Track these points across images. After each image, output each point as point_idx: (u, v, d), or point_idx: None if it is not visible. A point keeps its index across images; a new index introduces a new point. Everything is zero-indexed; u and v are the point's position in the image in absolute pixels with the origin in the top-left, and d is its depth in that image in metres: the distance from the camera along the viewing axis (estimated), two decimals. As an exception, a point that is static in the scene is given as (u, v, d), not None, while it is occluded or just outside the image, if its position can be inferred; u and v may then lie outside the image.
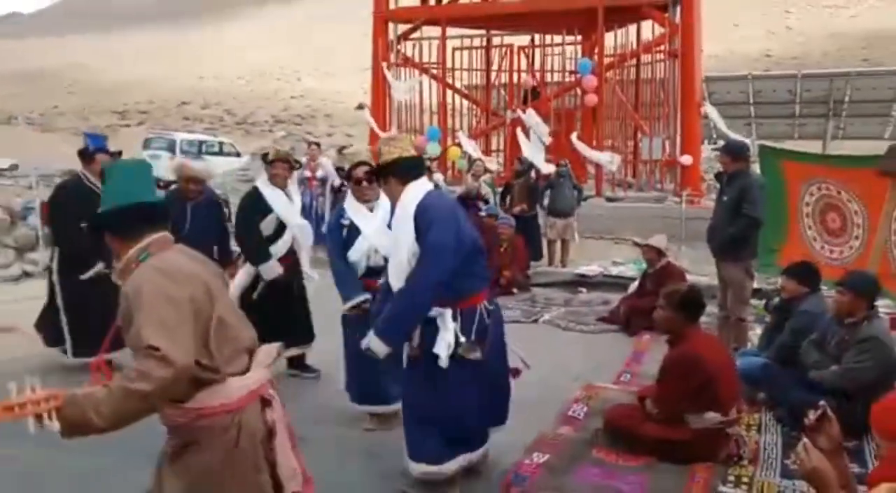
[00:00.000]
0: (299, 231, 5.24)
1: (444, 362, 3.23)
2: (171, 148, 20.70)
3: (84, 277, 5.21)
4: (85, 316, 5.16)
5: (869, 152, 7.02)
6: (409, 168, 3.34)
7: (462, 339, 3.27)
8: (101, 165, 5.11)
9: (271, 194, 5.06)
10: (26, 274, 9.23)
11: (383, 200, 4.23)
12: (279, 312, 4.96)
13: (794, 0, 72.41)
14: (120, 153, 5.66)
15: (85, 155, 5.44)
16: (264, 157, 5.30)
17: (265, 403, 2.22)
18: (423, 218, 3.19)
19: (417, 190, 3.30)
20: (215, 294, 2.17)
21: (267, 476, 2.20)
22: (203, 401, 2.09)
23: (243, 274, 5.09)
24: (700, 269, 8.33)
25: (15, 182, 16.67)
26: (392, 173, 3.34)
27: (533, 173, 10.12)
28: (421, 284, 3.18)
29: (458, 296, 3.30)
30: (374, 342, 3.22)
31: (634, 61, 14.85)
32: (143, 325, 1.96)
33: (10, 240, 9.81)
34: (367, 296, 4.10)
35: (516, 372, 3.65)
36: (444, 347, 3.23)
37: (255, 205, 5.07)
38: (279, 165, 5.08)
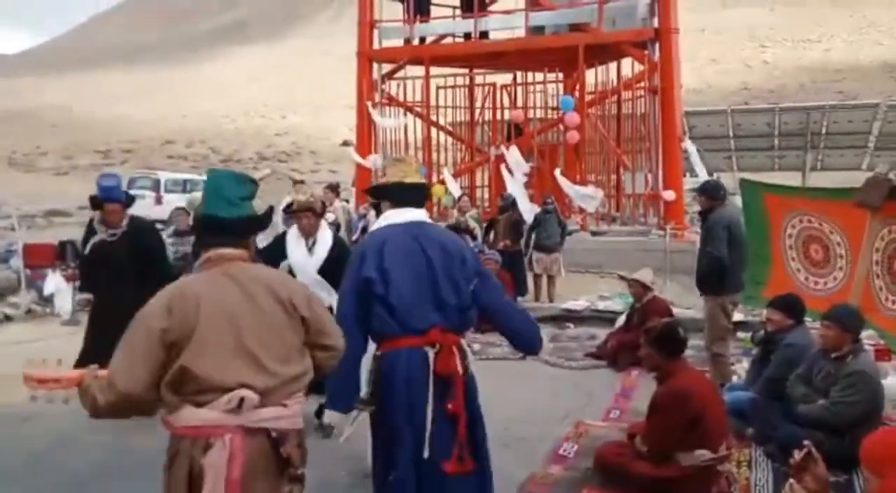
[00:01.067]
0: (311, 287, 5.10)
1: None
2: (155, 187, 20.70)
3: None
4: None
5: (847, 183, 7.13)
6: (405, 194, 3.09)
7: (364, 389, 2.89)
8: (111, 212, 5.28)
9: (292, 242, 4.97)
10: (7, 318, 9.10)
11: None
12: None
13: (769, 34, 74.05)
14: (133, 199, 5.66)
15: (92, 204, 5.48)
16: (287, 207, 5.21)
17: (207, 446, 2.13)
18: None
19: (385, 219, 3.09)
20: (202, 330, 2.15)
21: None
22: (174, 420, 2.19)
23: None
24: (684, 302, 8.38)
25: (-4, 224, 16.51)
26: (387, 197, 3.15)
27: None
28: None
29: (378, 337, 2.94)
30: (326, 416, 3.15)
31: (615, 98, 15.08)
32: (120, 343, 2.16)
33: (-9, 284, 9.71)
34: None
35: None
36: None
37: (276, 248, 5.04)
38: (302, 215, 4.92)
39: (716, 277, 5.75)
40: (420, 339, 2.84)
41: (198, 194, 5.70)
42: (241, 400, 2.13)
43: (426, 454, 2.71)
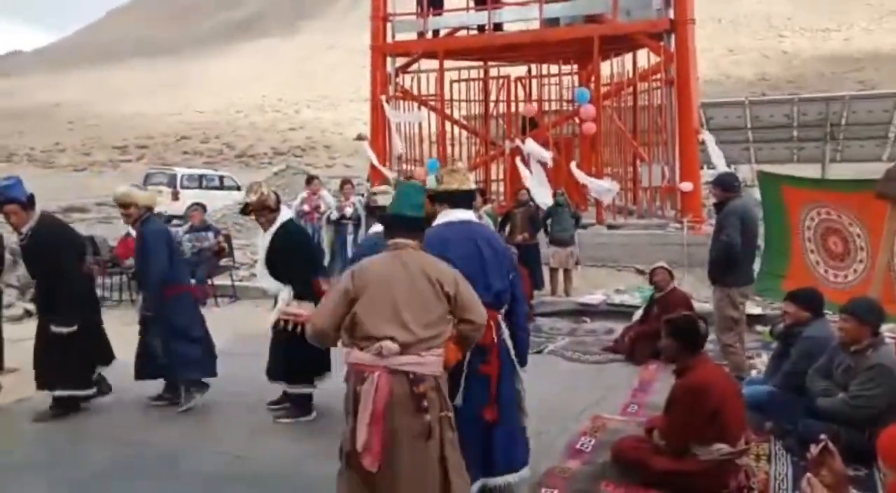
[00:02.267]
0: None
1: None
2: (171, 183, 20.80)
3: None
4: None
5: (869, 174, 7.05)
6: (461, 198, 3.75)
7: None
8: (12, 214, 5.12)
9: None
10: (28, 313, 9.20)
11: None
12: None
13: (787, 24, 73.27)
14: (32, 196, 5.27)
15: None
16: (243, 209, 5.37)
17: (361, 380, 2.90)
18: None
19: (443, 218, 3.69)
20: (370, 293, 2.98)
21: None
22: (347, 356, 3.02)
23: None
24: (701, 295, 8.32)
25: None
26: (446, 201, 3.72)
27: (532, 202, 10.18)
28: None
29: None
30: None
31: (631, 89, 14.96)
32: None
33: (12, 279, 9.80)
34: None
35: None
36: None
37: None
38: (257, 213, 5.27)
39: (726, 264, 5.74)
40: None
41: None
42: (381, 348, 2.88)
43: (459, 402, 3.38)
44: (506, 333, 3.64)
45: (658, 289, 7.29)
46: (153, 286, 5.38)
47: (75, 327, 5.20)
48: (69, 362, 5.25)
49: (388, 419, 2.84)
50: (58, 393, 5.28)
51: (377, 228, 3.89)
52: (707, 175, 13.74)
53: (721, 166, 12.17)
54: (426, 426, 2.90)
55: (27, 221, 5.18)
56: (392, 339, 2.89)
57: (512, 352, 3.66)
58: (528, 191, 10.42)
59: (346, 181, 11.40)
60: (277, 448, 4.65)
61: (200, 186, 21.23)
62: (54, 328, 5.18)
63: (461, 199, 3.75)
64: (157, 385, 5.67)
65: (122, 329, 6.08)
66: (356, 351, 2.96)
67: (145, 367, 5.56)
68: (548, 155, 11.85)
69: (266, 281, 5.29)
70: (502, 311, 3.67)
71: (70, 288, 5.24)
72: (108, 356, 5.62)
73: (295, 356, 5.00)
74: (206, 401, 5.54)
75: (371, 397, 2.83)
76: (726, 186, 6.00)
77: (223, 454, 4.56)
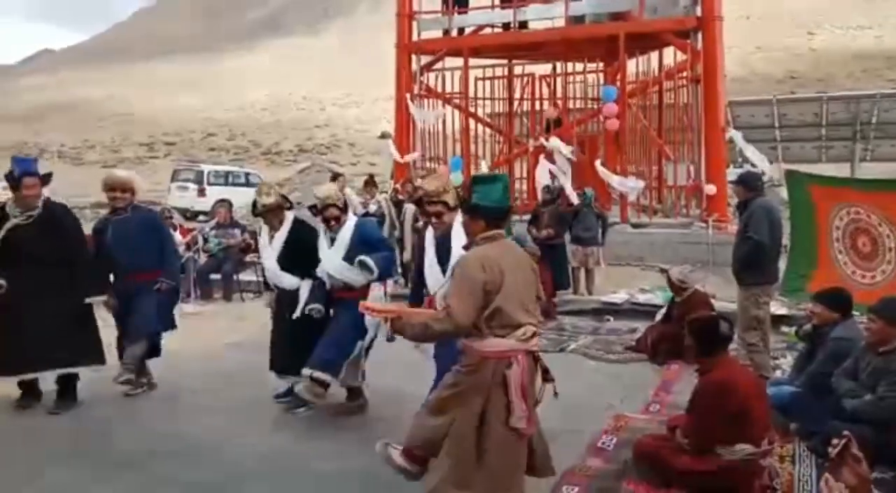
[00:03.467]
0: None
1: None
2: (198, 179, 21.05)
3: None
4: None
5: (899, 175, 6.95)
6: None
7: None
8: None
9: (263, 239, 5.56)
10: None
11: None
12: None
13: (817, 21, 72.18)
14: (50, 175, 5.42)
15: (9, 180, 5.22)
16: (311, 208, 5.37)
17: (509, 364, 3.18)
18: None
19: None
20: (506, 283, 3.16)
21: (501, 405, 3.19)
22: (482, 345, 3.22)
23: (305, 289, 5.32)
24: (727, 295, 8.24)
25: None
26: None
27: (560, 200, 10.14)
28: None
29: None
30: None
31: (657, 88, 14.85)
32: (450, 288, 3.25)
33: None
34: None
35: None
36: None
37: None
38: (270, 215, 5.37)
39: (754, 263, 5.71)
40: None
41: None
42: (533, 333, 3.28)
43: None
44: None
45: (676, 293, 7.19)
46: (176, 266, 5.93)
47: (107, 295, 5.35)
48: (97, 334, 5.43)
49: (528, 394, 3.25)
50: (80, 369, 5.35)
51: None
52: (733, 174, 13.60)
53: (763, 166, 11.97)
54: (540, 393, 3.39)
55: (39, 199, 5.23)
56: (530, 324, 3.28)
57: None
58: (554, 187, 10.37)
59: (369, 179, 11.47)
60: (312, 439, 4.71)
61: (227, 183, 21.45)
62: (90, 299, 5.27)
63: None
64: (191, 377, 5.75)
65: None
66: (493, 338, 3.20)
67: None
68: (567, 150, 11.81)
69: (284, 279, 5.36)
70: None
71: (91, 258, 5.39)
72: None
73: (307, 345, 5.00)
74: (234, 393, 5.62)
75: (519, 377, 3.18)
76: (750, 184, 5.97)
77: (246, 446, 4.63)
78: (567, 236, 9.93)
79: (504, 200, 3.42)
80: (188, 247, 10.59)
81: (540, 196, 10.82)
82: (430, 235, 4.41)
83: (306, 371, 4.89)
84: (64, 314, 5.20)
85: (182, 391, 5.84)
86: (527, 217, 10.18)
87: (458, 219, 3.87)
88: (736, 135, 12.95)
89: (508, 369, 3.17)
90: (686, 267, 7.42)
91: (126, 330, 5.61)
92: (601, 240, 10.10)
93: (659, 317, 7.58)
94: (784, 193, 7.35)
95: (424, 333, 3.24)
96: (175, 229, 10.21)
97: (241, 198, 19.27)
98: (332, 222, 5.08)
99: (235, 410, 5.38)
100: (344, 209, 5.16)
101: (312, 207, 5.27)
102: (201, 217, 18.50)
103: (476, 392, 3.21)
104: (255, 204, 5.38)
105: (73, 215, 5.47)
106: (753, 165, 12.12)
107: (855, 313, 5.04)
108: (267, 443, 4.70)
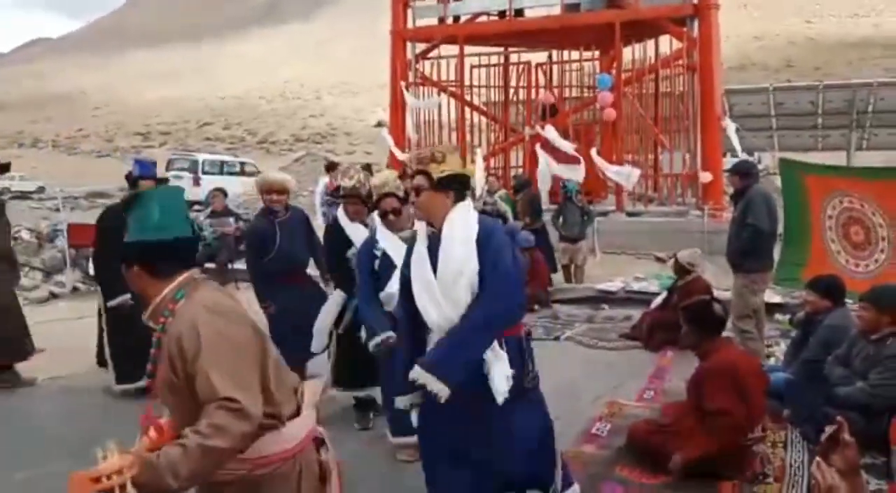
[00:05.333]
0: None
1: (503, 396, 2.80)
2: (193, 168, 21.00)
3: (111, 304, 5.23)
4: (128, 344, 5.03)
5: (894, 163, 6.96)
6: (465, 186, 3.04)
7: (511, 371, 2.84)
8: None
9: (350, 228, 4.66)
10: (53, 296, 9.39)
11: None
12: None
13: (815, 9, 72.03)
14: (166, 180, 5.58)
15: (128, 181, 5.43)
16: (336, 191, 5.03)
17: (319, 443, 2.21)
18: (490, 243, 2.86)
19: (470, 210, 2.98)
20: (262, 332, 2.11)
21: None
22: (263, 449, 2.01)
23: (332, 304, 4.72)
24: (723, 283, 8.27)
25: (41, 205, 16.97)
26: (452, 188, 2.96)
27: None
28: (498, 315, 2.83)
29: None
30: (432, 383, 2.72)
31: (653, 76, 14.83)
32: (211, 373, 1.88)
33: (37, 262, 9.98)
34: (391, 333, 3.76)
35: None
36: (503, 380, 2.80)
37: (337, 237, 4.74)
38: (349, 200, 4.66)
39: (751, 250, 5.75)
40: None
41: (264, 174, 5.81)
42: None
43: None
44: None
45: (680, 276, 7.22)
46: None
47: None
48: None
49: None
50: None
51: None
52: (728, 163, 13.62)
53: (741, 155, 12.02)
54: None
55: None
56: None
57: None
58: (522, 175, 10.41)
59: (365, 168, 11.40)
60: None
61: (222, 172, 21.42)
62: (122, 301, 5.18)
63: (466, 187, 3.13)
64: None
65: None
66: (284, 428, 2.16)
67: None
68: (570, 147, 11.78)
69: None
70: None
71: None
72: None
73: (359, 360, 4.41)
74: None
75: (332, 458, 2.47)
76: (745, 173, 6.00)
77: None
78: (556, 235, 9.93)
79: (177, 225, 2.20)
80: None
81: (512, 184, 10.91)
82: (420, 241, 3.03)
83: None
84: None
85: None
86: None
87: (456, 210, 2.93)
88: (730, 127, 12.93)
89: (322, 451, 2.25)
90: (696, 250, 7.43)
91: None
92: (585, 233, 10.05)
93: (656, 304, 7.58)
94: (778, 181, 7.36)
95: (200, 466, 1.83)
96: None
97: (237, 187, 19.28)
98: (391, 216, 4.06)
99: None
100: (405, 200, 4.02)
101: (334, 193, 4.87)
102: (196, 206, 18.46)
103: None
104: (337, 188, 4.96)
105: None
106: (750, 154, 12.14)
107: (848, 301, 5.06)
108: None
